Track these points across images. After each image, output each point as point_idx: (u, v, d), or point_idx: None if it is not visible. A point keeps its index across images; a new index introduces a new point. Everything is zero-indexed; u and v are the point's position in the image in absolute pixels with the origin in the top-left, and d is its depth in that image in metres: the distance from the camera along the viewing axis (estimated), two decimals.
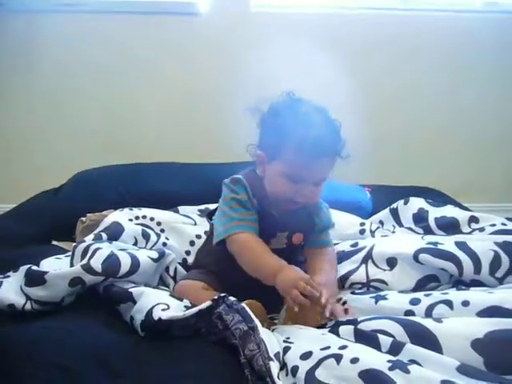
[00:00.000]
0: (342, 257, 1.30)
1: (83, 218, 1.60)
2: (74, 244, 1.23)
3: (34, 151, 2.54)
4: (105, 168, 2.07)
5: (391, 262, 1.20)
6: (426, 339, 0.87)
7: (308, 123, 1.12)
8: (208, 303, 0.96)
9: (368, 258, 1.24)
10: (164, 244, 1.40)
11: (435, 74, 2.56)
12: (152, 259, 1.21)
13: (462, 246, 1.16)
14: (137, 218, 1.49)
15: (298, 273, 1.05)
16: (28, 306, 1.06)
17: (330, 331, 0.98)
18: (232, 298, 0.98)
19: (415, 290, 1.14)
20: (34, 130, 2.52)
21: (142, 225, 1.45)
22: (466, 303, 0.97)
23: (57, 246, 1.59)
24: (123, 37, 2.45)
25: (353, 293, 1.18)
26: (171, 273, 1.29)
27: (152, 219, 1.51)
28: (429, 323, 0.91)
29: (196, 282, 1.19)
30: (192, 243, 1.46)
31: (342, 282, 1.22)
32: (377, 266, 1.21)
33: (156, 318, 0.96)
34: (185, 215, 1.59)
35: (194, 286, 1.17)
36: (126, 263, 1.14)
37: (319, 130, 1.11)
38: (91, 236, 1.28)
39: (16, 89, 2.48)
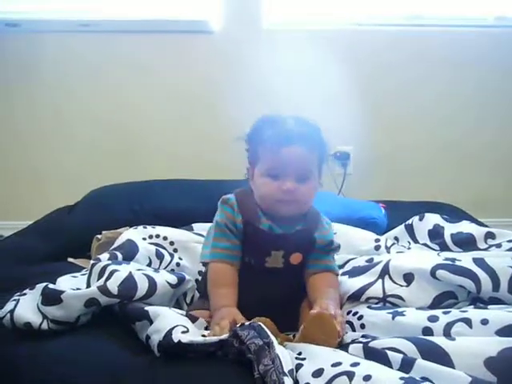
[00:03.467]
0: (358, 271, 1.29)
1: (98, 236, 1.60)
2: (92, 262, 1.23)
3: (43, 168, 2.60)
4: (119, 185, 2.09)
5: (408, 278, 1.18)
6: (439, 357, 0.86)
7: (278, 123, 1.17)
8: (227, 334, 0.96)
9: (385, 272, 1.22)
10: (177, 264, 1.40)
11: (448, 89, 2.57)
12: (170, 285, 1.21)
13: (479, 262, 1.13)
14: (150, 237, 1.49)
15: (232, 313, 1.07)
16: (44, 326, 1.05)
17: (339, 348, 0.98)
18: (247, 323, 0.98)
19: (432, 306, 1.12)
20: (42, 147, 2.58)
21: (155, 244, 1.44)
22: (485, 321, 0.95)
23: (72, 263, 1.60)
24: (137, 55, 2.50)
25: (369, 307, 1.15)
26: (188, 300, 1.29)
27: (165, 238, 1.50)
28: (441, 341, 0.89)
29: (203, 311, 1.17)
30: (205, 263, 1.46)
31: (358, 296, 1.20)
32: (394, 282, 1.19)
33: (176, 340, 0.95)
34: (198, 234, 1.57)
35: (202, 316, 1.14)
36: (142, 287, 1.13)
37: (287, 124, 1.17)
38: (106, 255, 1.27)
39: (24, 105, 2.53)
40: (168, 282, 1.20)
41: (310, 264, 1.22)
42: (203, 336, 1.01)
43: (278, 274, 1.16)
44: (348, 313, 1.16)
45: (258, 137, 1.18)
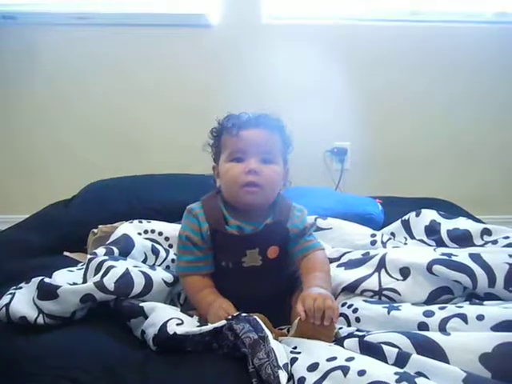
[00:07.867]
0: (354, 263, 1.29)
1: (95, 230, 1.60)
2: (89, 257, 1.22)
3: (45, 160, 2.59)
4: (116, 179, 2.09)
5: (404, 272, 1.18)
6: (434, 353, 0.86)
7: (239, 115, 1.22)
8: (223, 322, 0.96)
9: (381, 266, 1.22)
10: (173, 260, 1.39)
11: (446, 85, 2.56)
12: (166, 283, 1.20)
13: (476, 258, 1.14)
14: (145, 231, 1.49)
15: (223, 305, 1.08)
16: (40, 320, 1.05)
17: (335, 343, 0.97)
18: (244, 314, 0.98)
19: (428, 301, 1.12)
20: (41, 141, 2.58)
21: (150, 240, 1.44)
22: (480, 317, 0.95)
23: (68, 257, 1.60)
24: (136, 48, 2.49)
25: (365, 301, 1.15)
26: (181, 300, 1.28)
27: (160, 234, 1.50)
28: (436, 336, 0.90)
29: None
30: None
31: (353, 288, 1.20)
32: (390, 275, 1.20)
33: (171, 332, 0.95)
34: None
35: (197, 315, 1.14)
36: (139, 284, 1.14)
37: (247, 114, 1.21)
38: (102, 250, 1.27)
39: (27, 96, 2.53)
40: (164, 280, 1.20)
41: (293, 253, 1.22)
42: (199, 322, 1.02)
43: (257, 272, 1.16)
44: (343, 305, 1.16)
45: (221, 128, 1.22)
